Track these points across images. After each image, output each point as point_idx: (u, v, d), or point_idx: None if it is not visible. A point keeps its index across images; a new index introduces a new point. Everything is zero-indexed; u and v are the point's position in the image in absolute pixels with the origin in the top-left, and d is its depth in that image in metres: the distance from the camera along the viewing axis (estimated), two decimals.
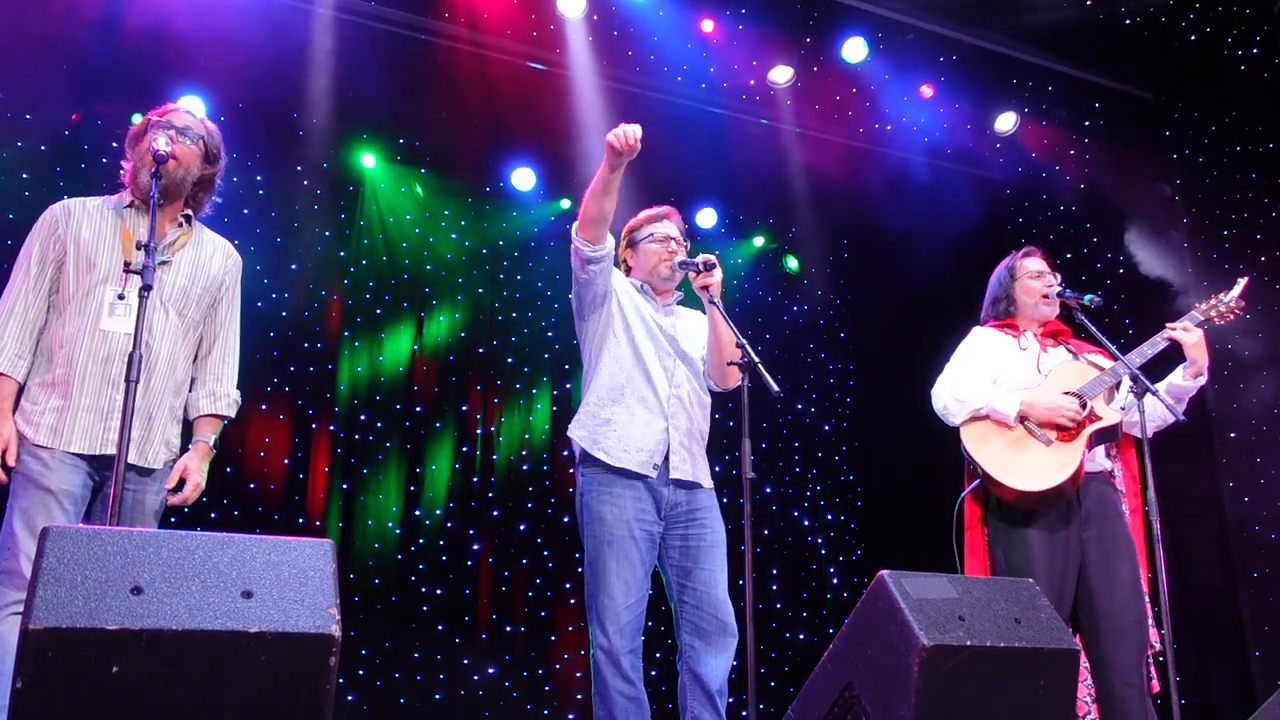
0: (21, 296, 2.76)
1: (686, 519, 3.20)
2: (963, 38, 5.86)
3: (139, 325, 2.49)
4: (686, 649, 3.14)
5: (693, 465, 3.23)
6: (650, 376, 3.24)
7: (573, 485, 3.27)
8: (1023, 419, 3.36)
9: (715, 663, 3.14)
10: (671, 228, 3.41)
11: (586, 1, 5.40)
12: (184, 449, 2.95)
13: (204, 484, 2.92)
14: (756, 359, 2.94)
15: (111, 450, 2.68)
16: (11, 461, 2.65)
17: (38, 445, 2.68)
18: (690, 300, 3.55)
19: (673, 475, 3.16)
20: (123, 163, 2.96)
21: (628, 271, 3.45)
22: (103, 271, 2.77)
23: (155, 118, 2.92)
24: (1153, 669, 3.33)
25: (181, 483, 2.86)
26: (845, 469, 6.97)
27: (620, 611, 3.04)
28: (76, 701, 1.63)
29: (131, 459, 2.75)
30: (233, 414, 3.03)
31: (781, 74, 5.89)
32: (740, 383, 3.02)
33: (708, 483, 3.28)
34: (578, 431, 3.20)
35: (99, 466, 2.72)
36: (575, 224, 3.15)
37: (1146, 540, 3.35)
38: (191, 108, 4.91)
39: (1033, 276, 3.62)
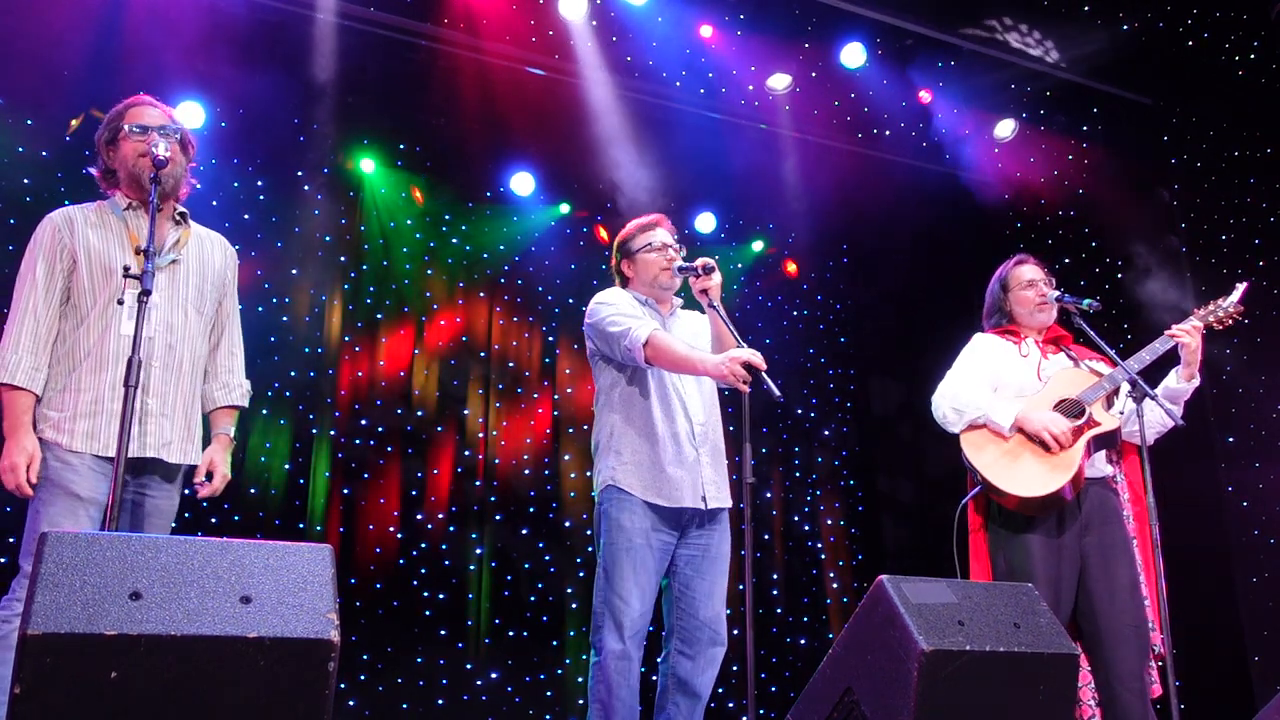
0: (31, 310, 2.76)
1: (700, 530, 3.23)
2: (961, 44, 5.87)
3: (138, 330, 2.52)
4: (673, 655, 3.16)
5: (721, 489, 3.31)
6: (687, 409, 3.28)
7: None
8: (1019, 429, 3.36)
9: (700, 668, 3.16)
10: (666, 235, 3.42)
11: (586, 6, 5.41)
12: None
13: (229, 475, 2.99)
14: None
15: (147, 453, 2.75)
16: (35, 478, 2.66)
17: (71, 451, 2.69)
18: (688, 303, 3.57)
19: (710, 505, 3.22)
20: (92, 169, 2.96)
21: (624, 283, 3.45)
22: (120, 277, 2.79)
23: (124, 122, 2.91)
24: (1154, 673, 3.33)
25: (208, 475, 2.93)
26: (845, 474, 6.97)
27: (636, 618, 3.06)
28: (75, 707, 1.64)
29: (173, 459, 2.84)
30: (246, 403, 3.12)
31: (779, 81, 5.90)
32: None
33: (729, 502, 3.32)
34: (625, 480, 3.15)
35: (127, 470, 2.73)
36: (645, 345, 3.10)
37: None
38: (191, 112, 4.98)
39: (1024, 286, 3.62)
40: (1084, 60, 5.90)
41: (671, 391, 3.27)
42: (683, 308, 3.50)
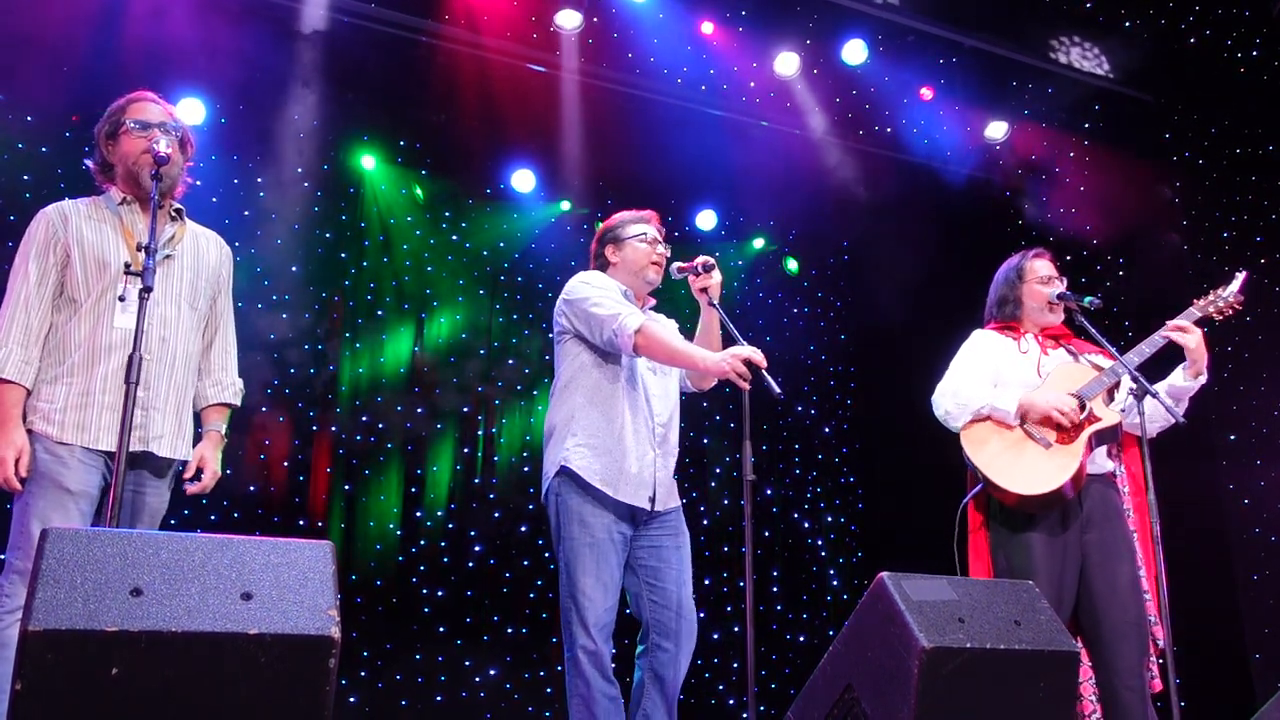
0: (23, 303, 2.76)
1: (658, 525, 3.23)
2: (963, 40, 5.87)
3: (139, 327, 2.52)
4: (652, 648, 3.15)
5: (671, 493, 3.29)
6: (650, 404, 3.26)
7: (544, 478, 3.26)
8: (1023, 417, 3.35)
9: (678, 663, 3.15)
10: (656, 231, 3.42)
11: (586, 3, 5.40)
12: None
13: (220, 472, 2.97)
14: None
15: (136, 446, 2.73)
16: (24, 472, 2.66)
17: (60, 443, 2.69)
18: (671, 304, 3.56)
19: (656, 508, 3.20)
20: (89, 163, 2.95)
21: (605, 267, 3.42)
22: (114, 270, 2.79)
23: (126, 117, 2.90)
24: (1154, 669, 3.33)
25: (199, 473, 2.91)
26: (845, 471, 6.98)
27: (601, 613, 3.04)
28: (76, 703, 1.63)
29: (164, 453, 2.82)
30: (239, 402, 3.11)
31: (787, 65, 5.85)
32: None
33: (676, 503, 3.33)
34: (579, 462, 3.12)
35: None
36: (637, 334, 3.07)
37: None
38: (191, 109, 4.97)
39: (1041, 281, 3.58)
40: (1125, 66, 5.93)
41: (639, 387, 3.26)
42: (654, 308, 3.50)
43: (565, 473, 3.14)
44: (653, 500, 3.18)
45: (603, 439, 3.15)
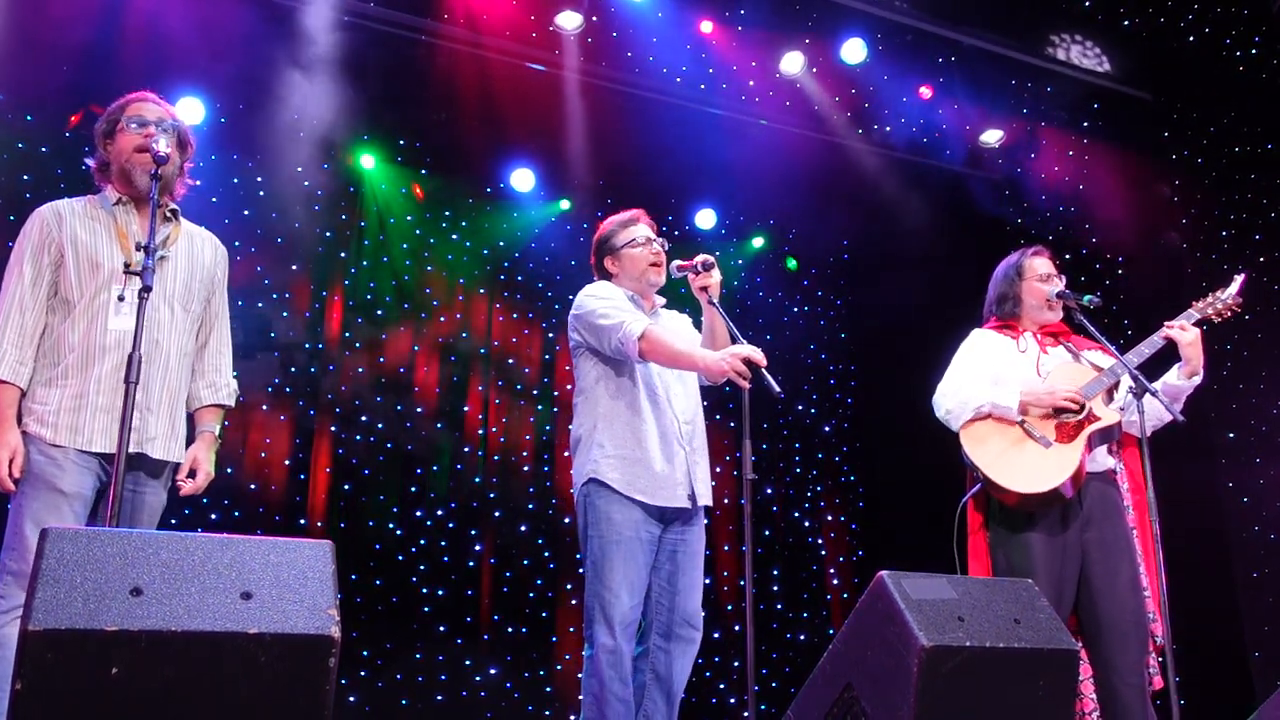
0: (18, 303, 2.75)
1: (683, 525, 3.24)
2: (961, 39, 5.87)
3: (139, 326, 2.51)
4: (653, 649, 3.16)
5: (708, 486, 3.30)
6: (673, 406, 3.27)
7: (574, 485, 3.27)
8: (1024, 411, 3.35)
9: (680, 665, 3.16)
10: (648, 230, 3.42)
11: (586, 3, 5.40)
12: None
13: (213, 473, 2.97)
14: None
15: (131, 448, 2.71)
16: (18, 473, 2.66)
17: (54, 445, 2.68)
18: (674, 304, 3.57)
19: (699, 503, 3.22)
20: (89, 161, 2.94)
21: (608, 277, 3.44)
22: (107, 272, 2.78)
23: (124, 115, 2.89)
24: (1155, 664, 3.33)
25: (192, 473, 2.91)
26: (846, 470, 6.98)
27: (626, 611, 3.05)
28: (76, 703, 1.64)
29: (157, 454, 2.81)
30: (233, 403, 3.09)
31: (793, 63, 5.83)
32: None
33: (711, 500, 3.34)
34: (610, 474, 3.13)
35: (110, 465, 2.73)
36: (640, 340, 3.09)
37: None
38: (191, 108, 4.97)
39: (1041, 279, 3.58)
40: (1124, 65, 5.94)
41: (659, 388, 3.26)
42: (665, 306, 3.50)
43: (595, 481, 3.16)
44: (693, 497, 3.20)
45: (630, 448, 3.16)
